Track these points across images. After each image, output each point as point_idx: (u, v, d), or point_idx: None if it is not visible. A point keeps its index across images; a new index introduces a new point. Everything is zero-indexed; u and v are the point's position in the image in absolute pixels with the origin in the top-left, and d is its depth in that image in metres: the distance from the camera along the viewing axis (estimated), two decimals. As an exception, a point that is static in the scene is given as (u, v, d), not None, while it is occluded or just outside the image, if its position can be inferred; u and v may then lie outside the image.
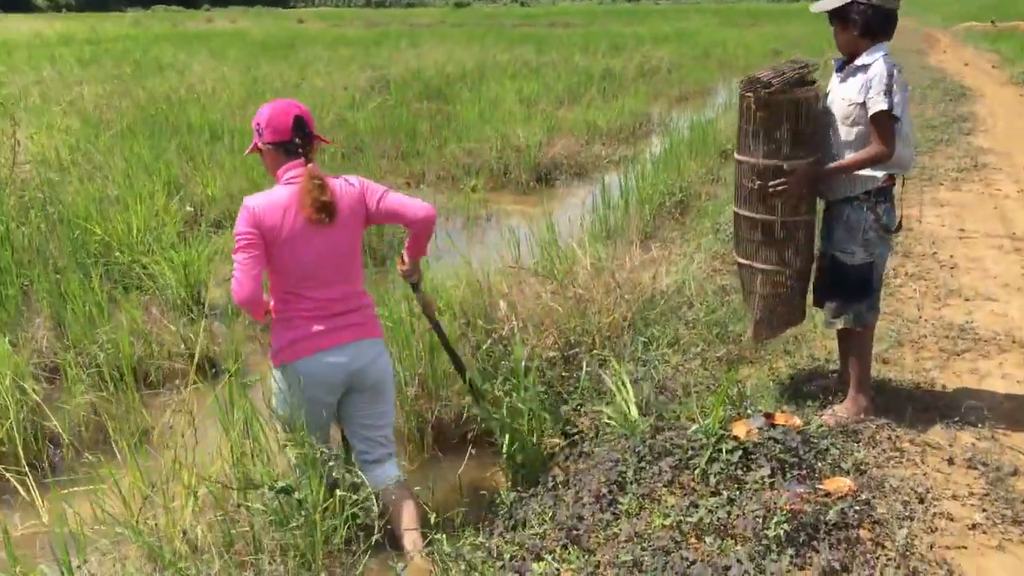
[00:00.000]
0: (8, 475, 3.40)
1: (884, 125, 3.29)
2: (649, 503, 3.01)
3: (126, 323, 4.54)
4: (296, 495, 2.60)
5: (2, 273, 5.14)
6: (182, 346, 4.72)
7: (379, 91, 13.22)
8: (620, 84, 15.78)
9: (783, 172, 3.40)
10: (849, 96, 3.40)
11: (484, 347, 4.03)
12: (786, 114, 3.37)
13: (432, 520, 3.01)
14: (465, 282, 4.47)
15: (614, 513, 2.99)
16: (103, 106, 11.47)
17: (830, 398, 3.72)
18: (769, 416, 3.35)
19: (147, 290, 5.35)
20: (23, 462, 3.54)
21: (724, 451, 3.15)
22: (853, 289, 3.52)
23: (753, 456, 3.16)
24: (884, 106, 3.26)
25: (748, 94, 3.42)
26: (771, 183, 3.41)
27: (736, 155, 3.59)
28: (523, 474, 3.52)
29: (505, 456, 3.51)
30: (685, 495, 3.03)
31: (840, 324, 3.55)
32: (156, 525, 2.65)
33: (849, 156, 3.39)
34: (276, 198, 2.90)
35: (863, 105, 3.33)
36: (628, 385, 3.62)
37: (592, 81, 15.28)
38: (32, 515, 3.20)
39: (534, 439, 3.58)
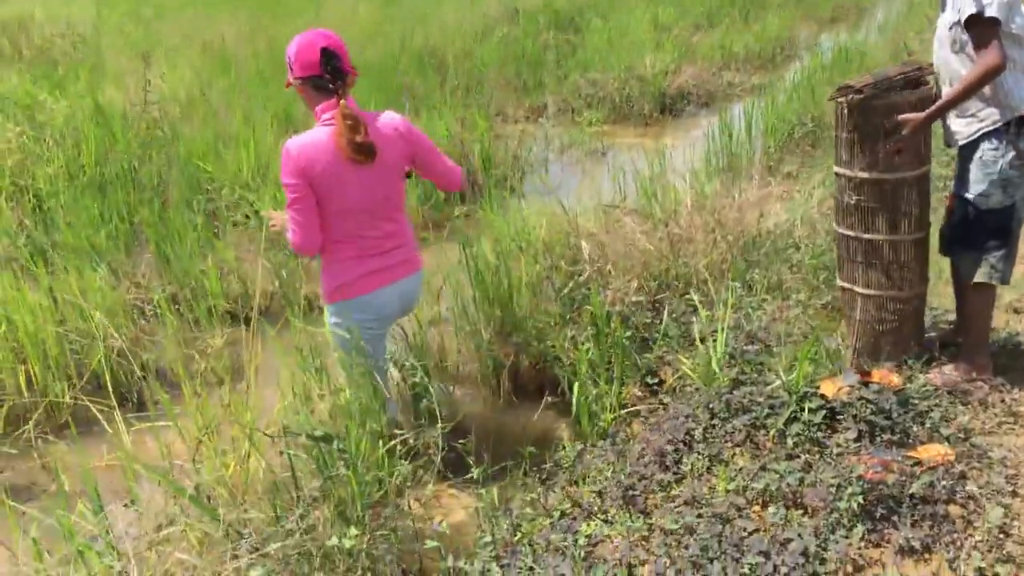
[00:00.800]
0: (96, 408, 3.51)
1: (981, 31, 2.83)
2: (717, 464, 2.78)
3: (212, 261, 4.61)
4: (336, 444, 2.53)
5: (118, 210, 5.35)
6: (276, 284, 4.78)
7: (508, 21, 12.93)
8: (765, 3, 14.78)
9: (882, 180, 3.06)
10: (948, 18, 2.95)
11: (565, 291, 3.83)
12: (884, 120, 2.99)
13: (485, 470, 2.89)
14: (546, 222, 4.27)
15: (676, 474, 2.78)
16: (239, 45, 11.75)
17: (942, 356, 3.31)
18: (864, 373, 3.01)
19: (250, 228, 5.43)
20: (111, 396, 3.66)
21: (807, 410, 2.86)
22: (990, 237, 3.06)
23: (840, 417, 2.85)
24: (973, 8, 2.80)
25: (841, 99, 3.04)
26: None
27: (834, 167, 3.22)
28: (597, 426, 3.35)
29: (575, 407, 3.34)
30: (756, 457, 2.78)
31: (978, 278, 3.12)
32: (201, 470, 2.66)
33: (952, 88, 2.95)
34: (316, 141, 2.76)
35: (959, 22, 2.88)
36: (719, 333, 3.35)
37: (735, 2, 14.38)
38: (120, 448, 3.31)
39: (612, 389, 3.40)
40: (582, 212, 4.62)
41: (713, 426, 2.93)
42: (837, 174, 3.20)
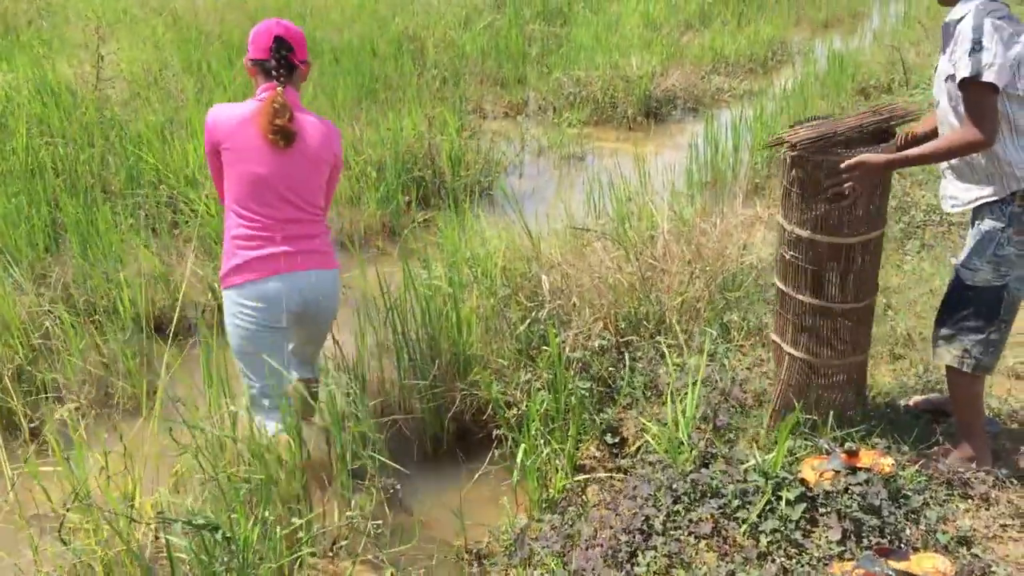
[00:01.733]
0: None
1: (975, 97, 2.44)
2: (677, 566, 2.38)
3: (133, 269, 4.17)
4: (221, 533, 2.12)
5: (47, 203, 4.87)
6: (210, 295, 4.34)
7: (495, 8, 12.44)
8: (760, 5, 14.36)
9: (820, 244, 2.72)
10: (943, 68, 2.56)
11: (519, 330, 3.42)
12: (824, 178, 2.63)
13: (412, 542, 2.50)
14: (507, 244, 3.85)
15: (630, 575, 2.38)
16: (211, 19, 11.20)
17: (939, 428, 2.93)
18: (851, 454, 2.62)
19: (187, 228, 4.97)
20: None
21: (784, 501, 2.47)
22: (970, 317, 2.66)
23: (822, 510, 2.47)
24: (968, 71, 2.41)
25: (781, 148, 2.69)
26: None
27: (777, 215, 2.87)
28: (547, 494, 2.94)
29: (520, 468, 2.94)
30: (724, 557, 2.38)
31: (947, 361, 2.72)
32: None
33: (931, 143, 2.58)
34: (239, 110, 2.82)
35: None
36: (690, 389, 2.95)
37: (727, 2, 13.95)
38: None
39: (566, 448, 3.00)
40: (550, 234, 4.21)
41: (676, 513, 2.53)
42: (778, 223, 2.84)
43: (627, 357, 3.39)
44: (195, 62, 8.25)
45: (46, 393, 3.61)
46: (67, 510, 2.29)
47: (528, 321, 3.44)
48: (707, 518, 2.48)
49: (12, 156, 5.48)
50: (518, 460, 2.92)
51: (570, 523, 2.68)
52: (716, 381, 3.21)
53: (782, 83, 8.52)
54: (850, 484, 2.51)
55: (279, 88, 2.77)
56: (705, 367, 3.19)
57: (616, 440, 3.15)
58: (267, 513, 2.33)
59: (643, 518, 2.51)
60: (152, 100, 6.93)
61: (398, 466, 3.10)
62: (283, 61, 2.80)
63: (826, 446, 2.70)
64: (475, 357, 3.38)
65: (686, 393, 2.99)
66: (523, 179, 6.58)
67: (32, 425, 3.40)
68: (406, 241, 4.92)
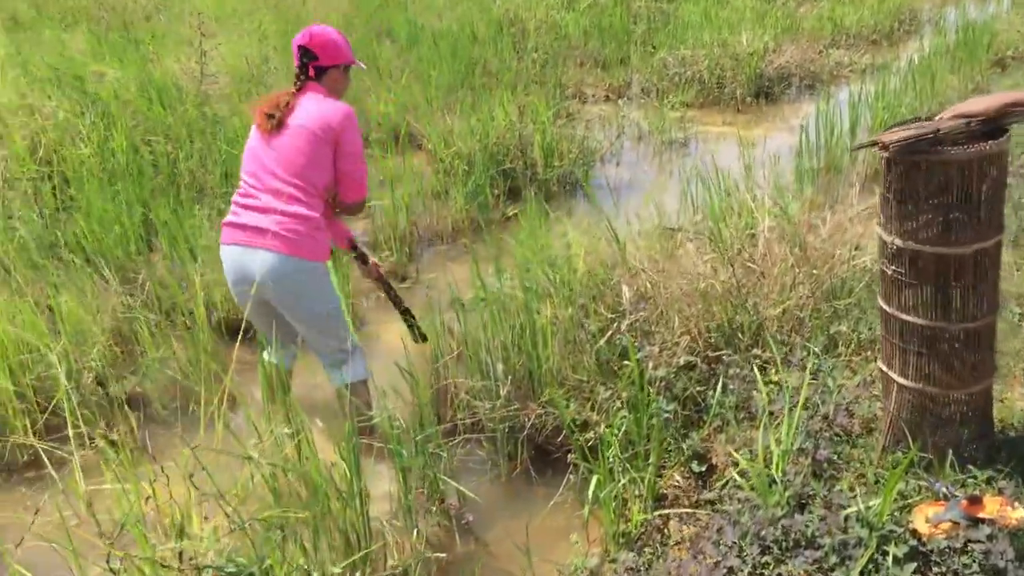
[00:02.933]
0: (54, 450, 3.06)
1: None
2: (761, 628, 2.11)
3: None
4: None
5: (142, 204, 4.90)
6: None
7: (601, -14, 12.05)
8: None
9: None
10: None
11: (597, 345, 3.17)
12: (936, 181, 2.27)
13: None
14: (591, 247, 3.59)
15: (707, 636, 2.13)
16: (318, 9, 11.26)
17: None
18: (973, 502, 2.26)
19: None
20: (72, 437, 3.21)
21: (892, 558, 2.15)
22: None
23: (936, 569, 2.14)
24: None
25: (881, 149, 2.31)
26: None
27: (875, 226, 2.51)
28: (624, 527, 2.70)
29: (593, 497, 2.71)
30: (817, 623, 2.09)
31: None
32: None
33: None
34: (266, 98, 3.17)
35: None
36: (786, 417, 2.65)
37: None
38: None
39: (647, 477, 2.74)
40: (638, 234, 3.93)
41: (764, 565, 2.25)
42: (877, 235, 2.48)
43: (718, 373, 3.09)
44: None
45: (126, 402, 3.61)
46: (111, 544, 2.20)
47: (609, 334, 3.19)
48: (799, 575, 2.19)
49: (112, 157, 5.57)
50: (590, 492, 2.69)
51: (646, 565, 2.44)
52: (818, 404, 2.88)
53: (909, 56, 7.88)
54: (970, 540, 2.16)
55: (292, 90, 3.08)
56: (806, 387, 2.86)
57: (703, 468, 2.87)
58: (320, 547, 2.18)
59: (725, 570, 2.24)
60: (253, 94, 6.95)
61: (467, 491, 2.94)
62: (304, 68, 3.09)
63: (943, 490, 2.35)
64: (551, 372, 3.15)
65: (783, 418, 2.69)
66: (619, 168, 6.28)
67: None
68: (488, 238, 4.72)
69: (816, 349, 3.12)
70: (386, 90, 6.94)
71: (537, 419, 3.11)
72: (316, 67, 3.08)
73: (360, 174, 3.11)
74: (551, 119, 5.95)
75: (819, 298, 3.47)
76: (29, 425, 3.34)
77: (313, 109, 3.01)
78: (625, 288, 3.22)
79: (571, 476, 2.95)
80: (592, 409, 3.05)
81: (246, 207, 3.02)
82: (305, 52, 3.07)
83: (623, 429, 2.84)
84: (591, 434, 2.96)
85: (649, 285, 3.41)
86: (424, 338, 3.51)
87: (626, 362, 3.07)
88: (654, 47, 8.85)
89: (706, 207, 4.21)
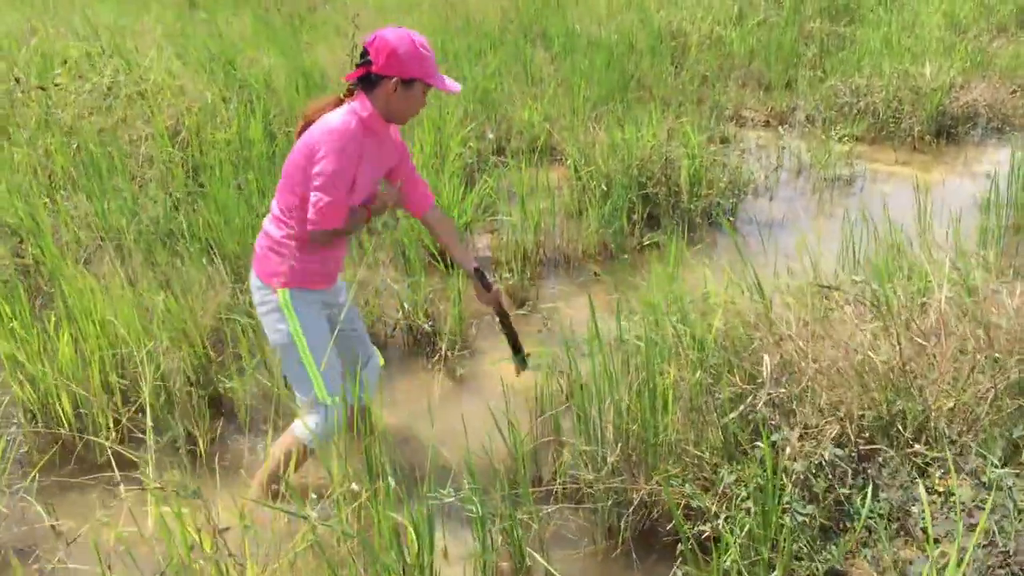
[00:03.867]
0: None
1: None
2: None
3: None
4: None
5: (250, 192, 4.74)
6: (400, 311, 4.00)
7: (773, 3, 11.37)
8: (1099, 7, 12.09)
9: None
10: None
11: (726, 419, 2.72)
12: None
13: None
14: (724, 302, 3.13)
15: None
16: (477, 7, 11.08)
17: None
18: None
19: (387, 233, 4.65)
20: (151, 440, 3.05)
21: None
22: None
23: None
24: None
25: None
26: None
27: None
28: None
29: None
30: None
31: None
32: None
33: None
34: None
35: None
36: (955, 551, 2.14)
37: (1057, 1, 11.85)
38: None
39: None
40: (787, 288, 3.44)
41: None
42: None
43: (869, 473, 2.59)
44: (441, 50, 8.07)
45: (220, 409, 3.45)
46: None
47: (741, 408, 2.74)
48: None
49: (248, 145, 5.49)
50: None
51: None
52: (995, 531, 2.34)
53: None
54: None
55: (339, 97, 2.75)
56: (982, 503, 2.33)
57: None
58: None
59: None
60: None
61: (557, 572, 2.56)
62: (363, 73, 2.68)
63: None
64: (668, 444, 2.73)
65: (949, 544, 2.19)
66: (773, 203, 5.73)
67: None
68: (619, 268, 4.33)
69: (994, 459, 2.57)
70: (532, 97, 6.64)
71: (647, 496, 2.70)
72: (370, 74, 2.65)
73: (321, 201, 2.60)
74: (703, 143, 5.48)
75: (1001, 391, 2.89)
76: (112, 423, 3.20)
77: (314, 130, 2.67)
78: (766, 359, 2.75)
79: (679, 571, 2.53)
80: (712, 495, 2.61)
81: None
82: (363, 53, 2.67)
83: (745, 529, 2.40)
84: (708, 526, 2.52)
85: (795, 354, 2.93)
86: (524, 365, 3.19)
87: (758, 444, 2.62)
88: (824, 72, 8.19)
89: (871, 263, 3.67)
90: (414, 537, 2.23)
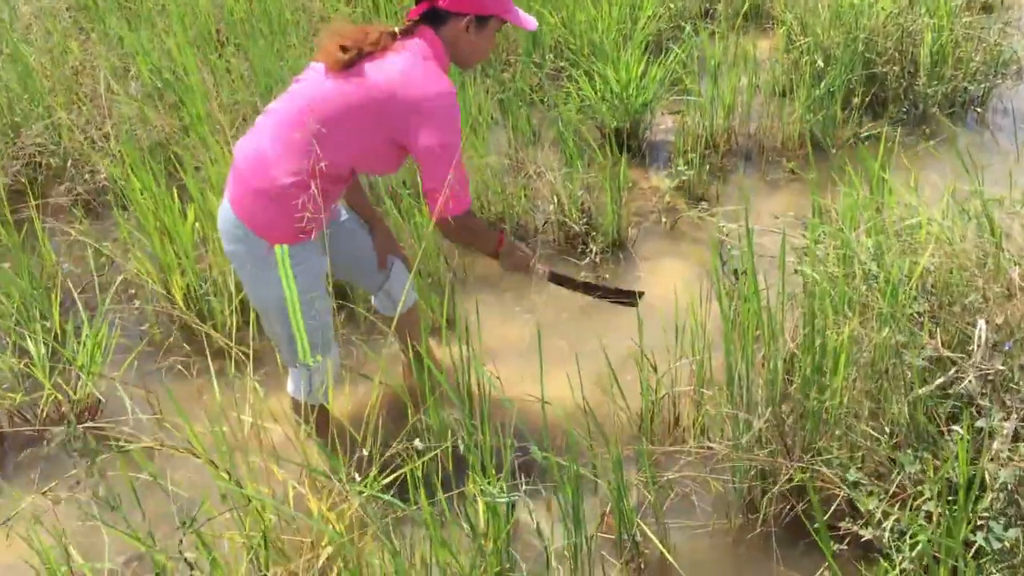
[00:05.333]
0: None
1: None
2: None
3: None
4: None
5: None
6: (551, 206, 3.54)
7: None
8: None
9: None
10: None
11: (917, 392, 2.08)
12: None
13: None
14: (938, 235, 2.40)
15: None
16: None
17: None
18: None
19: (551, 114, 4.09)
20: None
21: None
22: None
23: None
24: None
25: None
26: None
27: None
28: None
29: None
30: None
31: None
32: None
33: None
34: None
35: None
36: None
37: None
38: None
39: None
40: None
41: None
42: None
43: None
44: None
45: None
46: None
47: (940, 379, 2.09)
48: None
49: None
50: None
51: None
52: None
53: None
54: None
55: (394, 30, 2.16)
56: None
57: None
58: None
59: None
60: None
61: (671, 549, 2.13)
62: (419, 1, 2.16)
63: None
64: (834, 415, 2.16)
65: None
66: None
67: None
68: (819, 168, 3.61)
69: None
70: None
71: (798, 477, 2.16)
72: (436, 9, 2.13)
73: (456, 184, 2.12)
74: (955, 11, 4.42)
75: None
76: (228, 313, 3.02)
77: (395, 70, 2.07)
78: (981, 324, 2.06)
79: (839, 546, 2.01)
80: (882, 482, 2.04)
81: None
82: None
83: (919, 547, 1.84)
84: (869, 530, 1.97)
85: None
86: (636, 296, 2.64)
87: (955, 429, 2.00)
88: None
89: None
90: (483, 508, 1.87)
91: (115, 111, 3.94)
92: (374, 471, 1.80)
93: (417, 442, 1.81)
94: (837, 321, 2.16)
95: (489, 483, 1.87)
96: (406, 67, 2.07)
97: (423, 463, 1.84)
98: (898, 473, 2.08)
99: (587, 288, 2.59)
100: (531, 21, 2.24)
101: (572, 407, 2.33)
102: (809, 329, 2.14)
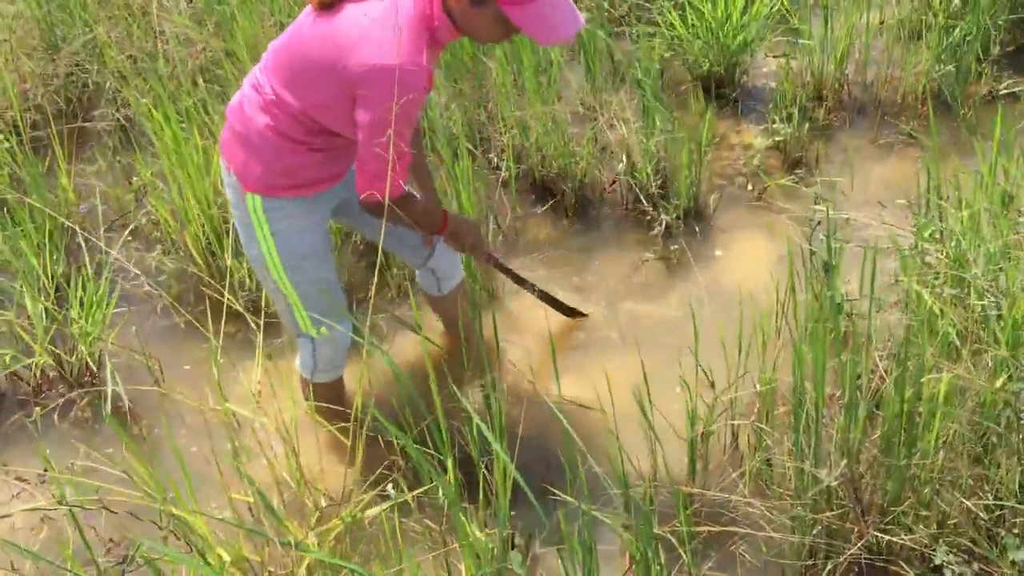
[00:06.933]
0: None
1: None
2: None
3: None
4: None
5: None
6: (621, 165, 3.10)
7: None
8: None
9: None
10: None
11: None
12: None
13: None
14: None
15: None
16: None
17: None
18: None
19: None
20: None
21: None
22: None
23: None
24: None
25: None
26: None
27: None
28: None
29: None
30: None
31: None
32: None
33: None
34: None
35: None
36: None
37: None
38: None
39: None
40: None
41: None
42: None
43: None
44: None
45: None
46: None
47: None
48: None
49: None
50: None
51: None
52: None
53: None
54: None
55: None
56: None
57: None
58: None
59: None
60: None
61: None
62: None
63: None
64: (924, 475, 1.74)
65: None
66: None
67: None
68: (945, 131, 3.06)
69: None
70: None
71: (872, 544, 1.77)
72: None
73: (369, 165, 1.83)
74: None
75: None
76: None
77: (362, 27, 1.76)
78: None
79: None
80: (974, 560, 1.64)
81: None
82: None
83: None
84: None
85: None
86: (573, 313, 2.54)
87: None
88: None
89: None
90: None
91: (167, 27, 3.66)
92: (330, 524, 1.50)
93: (390, 488, 1.49)
94: (938, 363, 1.72)
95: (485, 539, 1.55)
96: (372, 28, 1.74)
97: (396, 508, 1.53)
98: (998, 555, 1.67)
99: (530, 288, 2.45)
100: (556, 29, 1.76)
101: (599, 423, 1.98)
102: (900, 371, 1.70)
